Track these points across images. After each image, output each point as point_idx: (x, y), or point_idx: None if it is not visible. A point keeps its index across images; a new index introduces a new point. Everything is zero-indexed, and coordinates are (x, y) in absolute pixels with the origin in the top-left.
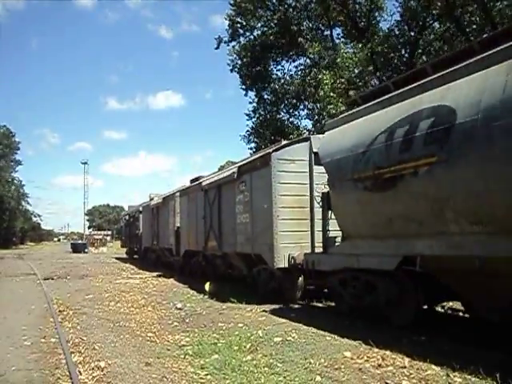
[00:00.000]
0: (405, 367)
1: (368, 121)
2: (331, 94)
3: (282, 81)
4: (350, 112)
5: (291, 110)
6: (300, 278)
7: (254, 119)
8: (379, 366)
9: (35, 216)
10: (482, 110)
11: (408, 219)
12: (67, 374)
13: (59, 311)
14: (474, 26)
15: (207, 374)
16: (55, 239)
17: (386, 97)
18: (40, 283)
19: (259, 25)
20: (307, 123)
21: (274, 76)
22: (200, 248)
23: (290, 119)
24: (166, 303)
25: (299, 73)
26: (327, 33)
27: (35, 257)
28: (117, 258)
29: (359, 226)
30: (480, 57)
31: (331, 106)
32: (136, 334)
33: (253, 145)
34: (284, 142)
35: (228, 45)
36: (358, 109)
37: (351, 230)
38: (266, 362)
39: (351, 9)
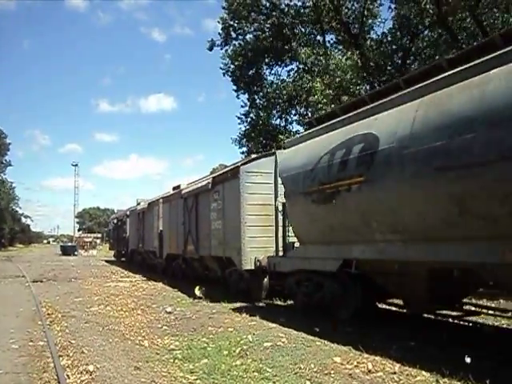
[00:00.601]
0: (395, 373)
1: (316, 142)
2: (323, 100)
3: (275, 85)
4: (304, 133)
5: (283, 115)
6: (265, 279)
7: (245, 123)
8: (369, 371)
9: (25, 217)
10: (396, 140)
11: (346, 228)
12: (55, 377)
13: (48, 314)
14: (465, 35)
15: (196, 379)
16: (45, 241)
17: (330, 122)
18: (29, 286)
19: (252, 29)
20: (299, 128)
21: (267, 80)
22: (180, 251)
23: (282, 124)
24: (155, 307)
25: (292, 78)
26: (320, 38)
27: (24, 259)
28: (106, 261)
29: (309, 233)
30: (401, 93)
31: (322, 112)
32: (125, 337)
33: (245, 149)
34: (253, 156)
35: (221, 48)
36: (310, 130)
37: (303, 237)
38: (256, 367)
39: (344, 15)
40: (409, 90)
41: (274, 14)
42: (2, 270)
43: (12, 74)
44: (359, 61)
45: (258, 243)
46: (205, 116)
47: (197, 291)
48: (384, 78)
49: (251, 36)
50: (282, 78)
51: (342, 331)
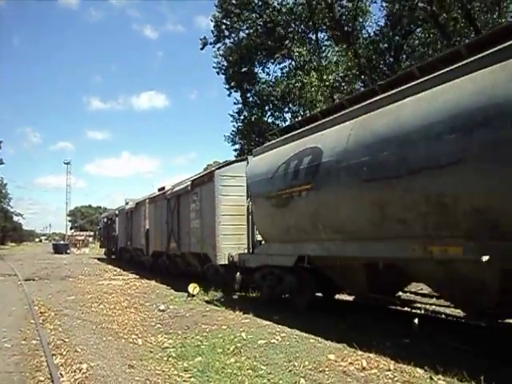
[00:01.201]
0: (389, 370)
1: (276, 153)
2: (318, 97)
3: (268, 83)
4: (269, 143)
5: (276, 113)
6: (238, 273)
7: (238, 121)
8: (363, 368)
9: (16, 215)
10: (335, 154)
11: (299, 229)
12: (48, 376)
13: (40, 313)
14: (458, 35)
15: (191, 377)
16: (37, 240)
17: (289, 135)
18: (21, 284)
19: (245, 27)
20: None
21: (260, 78)
22: (164, 249)
23: (276, 121)
24: (148, 305)
25: (285, 75)
26: (312, 36)
27: (16, 257)
28: (99, 259)
29: (270, 232)
30: (342, 113)
31: (316, 110)
32: (119, 335)
33: (237, 146)
34: (227, 161)
35: (213, 46)
36: (272, 142)
37: (266, 236)
38: (250, 365)
39: (337, 12)
40: (347, 110)
41: (266, 11)
42: None
43: (2, 71)
44: (352, 57)
45: (231, 240)
46: (197, 113)
47: (190, 289)
48: (376, 76)
49: (244, 34)
50: (275, 75)
51: (335, 328)
